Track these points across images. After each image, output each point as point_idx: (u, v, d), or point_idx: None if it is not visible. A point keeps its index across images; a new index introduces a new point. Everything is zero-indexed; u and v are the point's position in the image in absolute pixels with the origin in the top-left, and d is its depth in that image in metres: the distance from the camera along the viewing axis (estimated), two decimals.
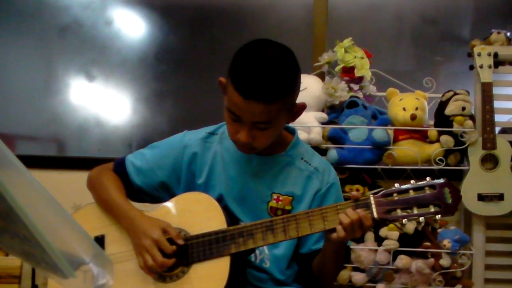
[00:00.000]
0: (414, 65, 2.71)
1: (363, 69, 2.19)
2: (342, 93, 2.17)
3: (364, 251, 2.09)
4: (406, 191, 1.25)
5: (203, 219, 1.34)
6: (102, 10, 2.70)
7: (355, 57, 2.18)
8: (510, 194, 2.16)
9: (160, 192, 1.47)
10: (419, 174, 1.94)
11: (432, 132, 2.18)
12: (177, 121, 2.69)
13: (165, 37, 2.71)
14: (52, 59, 2.74)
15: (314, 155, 1.48)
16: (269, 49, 1.27)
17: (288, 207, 1.41)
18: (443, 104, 2.20)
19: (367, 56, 2.22)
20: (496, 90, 2.20)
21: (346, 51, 2.19)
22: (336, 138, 2.17)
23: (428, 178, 1.26)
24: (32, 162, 2.40)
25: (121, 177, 1.47)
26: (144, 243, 1.30)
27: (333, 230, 1.25)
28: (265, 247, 1.40)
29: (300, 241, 1.42)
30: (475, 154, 2.17)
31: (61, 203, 0.81)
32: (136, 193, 1.48)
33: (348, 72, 2.20)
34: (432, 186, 1.24)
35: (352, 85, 2.20)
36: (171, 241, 1.31)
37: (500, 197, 2.16)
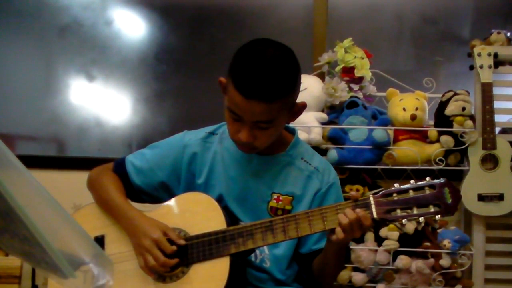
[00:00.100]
0: (414, 65, 2.71)
1: (363, 69, 2.19)
2: (342, 93, 2.17)
3: (364, 251, 2.09)
4: (406, 191, 1.25)
5: (202, 220, 1.34)
6: (102, 10, 2.70)
7: (355, 57, 2.18)
8: (510, 194, 2.16)
9: (160, 192, 1.47)
10: (419, 174, 1.95)
11: (432, 132, 2.18)
12: (177, 121, 2.68)
13: (165, 37, 2.71)
14: (52, 59, 2.74)
15: (314, 155, 1.48)
16: (270, 48, 1.27)
17: (288, 207, 1.41)
18: (443, 104, 2.20)
19: (367, 56, 2.22)
20: (496, 90, 2.20)
21: (346, 51, 2.19)
22: (336, 138, 2.17)
23: (428, 178, 1.26)
24: (32, 162, 2.40)
25: (121, 177, 1.47)
26: (144, 243, 1.30)
27: (333, 230, 1.26)
28: (265, 247, 1.40)
29: (300, 241, 1.42)
30: (475, 154, 2.17)
31: (61, 203, 0.81)
32: (136, 193, 1.48)
33: (348, 72, 2.20)
34: (432, 186, 1.24)
35: (352, 85, 2.21)
36: (170, 242, 1.31)
37: (500, 197, 2.16)
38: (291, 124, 1.49)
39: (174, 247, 1.30)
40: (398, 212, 1.24)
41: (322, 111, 2.25)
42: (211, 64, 2.65)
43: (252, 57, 1.25)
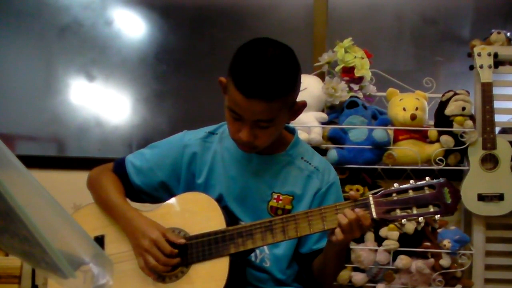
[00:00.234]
0: (414, 65, 2.71)
1: (363, 69, 2.19)
2: (342, 93, 2.17)
3: (364, 251, 2.09)
4: (405, 191, 1.25)
5: (202, 219, 1.34)
6: (102, 10, 2.70)
7: (355, 57, 2.18)
8: (510, 194, 2.16)
9: (160, 192, 1.47)
10: (419, 174, 1.93)
11: (432, 132, 2.18)
12: (177, 121, 2.68)
13: (165, 37, 2.71)
14: (52, 59, 2.74)
15: (314, 155, 1.48)
16: (270, 47, 1.27)
17: (288, 207, 1.41)
18: (443, 104, 2.20)
19: (367, 56, 2.22)
20: (496, 90, 2.20)
21: (346, 51, 2.19)
22: (336, 138, 2.17)
23: (427, 178, 1.26)
24: (32, 162, 2.41)
25: (121, 177, 1.47)
26: (143, 244, 1.30)
27: (333, 230, 1.26)
28: (265, 247, 1.40)
29: (301, 241, 1.42)
30: (475, 154, 2.17)
31: (61, 203, 0.81)
32: (135, 193, 1.48)
33: (348, 72, 2.20)
34: (431, 186, 1.24)
35: (352, 85, 2.21)
36: (170, 243, 1.31)
37: (500, 197, 2.16)
38: (291, 124, 1.49)
39: (175, 250, 1.30)
40: (398, 212, 1.24)
41: (322, 111, 2.25)
42: (211, 64, 2.65)
43: (252, 56, 1.25)
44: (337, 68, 2.21)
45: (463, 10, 2.67)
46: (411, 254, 2.08)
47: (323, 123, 2.19)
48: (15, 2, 2.71)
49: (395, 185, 1.26)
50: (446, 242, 2.08)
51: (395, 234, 2.08)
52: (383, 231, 2.10)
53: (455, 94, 2.18)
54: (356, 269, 2.12)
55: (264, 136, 1.31)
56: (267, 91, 1.23)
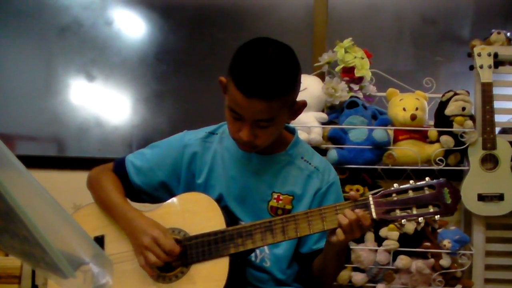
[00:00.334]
0: (414, 65, 2.71)
1: (363, 69, 2.19)
2: (342, 93, 2.17)
3: (364, 251, 2.09)
4: (405, 191, 1.25)
5: (202, 220, 1.34)
6: (102, 10, 2.70)
7: (355, 57, 2.18)
8: (510, 194, 2.16)
9: (160, 192, 1.47)
10: (419, 174, 1.94)
11: (432, 132, 2.18)
12: (177, 121, 2.68)
13: (165, 37, 2.71)
14: (52, 59, 2.74)
15: (314, 155, 1.48)
16: (270, 47, 1.27)
17: (288, 206, 1.41)
18: (443, 104, 2.20)
19: (367, 56, 2.22)
20: (496, 90, 2.20)
21: (346, 51, 2.19)
22: (336, 138, 2.17)
23: (427, 178, 1.26)
24: (32, 162, 2.41)
25: (121, 177, 1.47)
26: (144, 241, 1.29)
27: (333, 231, 1.26)
28: (265, 247, 1.40)
29: (301, 241, 1.42)
30: (475, 154, 2.17)
31: (61, 203, 0.81)
32: (135, 193, 1.48)
33: (348, 72, 2.20)
34: (431, 186, 1.24)
35: (352, 85, 2.21)
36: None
37: (500, 197, 2.16)
38: (291, 124, 1.49)
39: (175, 248, 1.29)
40: (398, 213, 1.24)
41: (322, 111, 2.25)
42: (211, 64, 2.65)
43: (252, 56, 1.25)
44: (337, 68, 2.21)
45: (463, 10, 2.67)
46: (411, 254, 2.08)
47: (323, 123, 2.19)
48: (15, 2, 2.71)
49: (395, 185, 1.26)
50: (446, 242, 2.08)
51: (395, 234, 2.08)
52: (383, 231, 2.10)
53: (455, 94, 2.18)
54: (356, 269, 2.12)
55: (264, 136, 1.31)
56: (267, 91, 1.23)
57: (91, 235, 1.38)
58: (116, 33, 2.70)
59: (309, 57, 2.49)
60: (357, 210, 1.23)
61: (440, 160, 2.15)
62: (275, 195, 1.42)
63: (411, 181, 1.26)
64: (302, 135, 2.08)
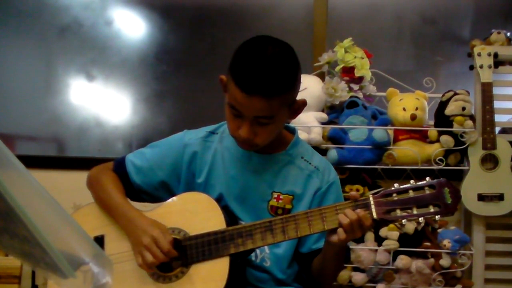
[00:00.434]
0: (414, 65, 2.71)
1: (363, 69, 2.19)
2: (342, 93, 2.17)
3: (364, 251, 2.09)
4: (405, 191, 1.25)
5: (202, 219, 1.34)
6: (102, 10, 2.70)
7: (355, 57, 2.18)
8: (510, 194, 2.16)
9: (160, 191, 1.47)
10: (419, 174, 1.94)
11: (432, 132, 2.18)
12: (177, 121, 2.68)
13: (165, 37, 2.71)
14: (52, 59, 2.74)
15: (314, 154, 1.48)
16: (270, 45, 1.28)
17: (288, 206, 1.41)
18: (443, 104, 2.20)
19: (367, 56, 2.22)
20: (496, 90, 2.20)
21: (346, 51, 2.20)
22: (336, 138, 2.17)
23: (427, 178, 1.26)
24: (32, 162, 2.40)
25: (121, 177, 1.47)
26: (143, 241, 1.29)
27: (333, 231, 1.26)
28: (265, 246, 1.40)
29: (300, 241, 1.42)
30: (475, 154, 2.17)
31: (61, 203, 0.81)
32: (135, 192, 1.48)
33: (348, 72, 2.20)
34: (431, 186, 1.24)
35: (352, 85, 2.21)
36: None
37: (500, 197, 2.16)
38: (291, 124, 1.48)
39: (173, 251, 1.29)
40: (398, 212, 1.24)
41: (322, 111, 2.25)
42: (211, 64, 2.65)
43: (252, 54, 1.26)
44: (337, 68, 2.21)
45: (463, 10, 2.67)
46: (411, 254, 2.08)
47: (323, 123, 2.19)
48: (15, 2, 2.71)
49: (395, 185, 1.26)
50: (446, 242, 2.08)
51: (395, 234, 2.08)
52: (383, 231, 2.10)
53: (455, 94, 2.18)
54: (356, 269, 2.12)
55: (264, 134, 1.31)
56: (267, 88, 1.23)
57: (91, 235, 1.38)
58: (116, 33, 2.70)
59: (309, 57, 2.49)
60: (358, 210, 1.23)
61: (440, 160, 2.15)
62: (275, 195, 1.41)
63: (411, 181, 1.26)
64: (302, 135, 2.08)
